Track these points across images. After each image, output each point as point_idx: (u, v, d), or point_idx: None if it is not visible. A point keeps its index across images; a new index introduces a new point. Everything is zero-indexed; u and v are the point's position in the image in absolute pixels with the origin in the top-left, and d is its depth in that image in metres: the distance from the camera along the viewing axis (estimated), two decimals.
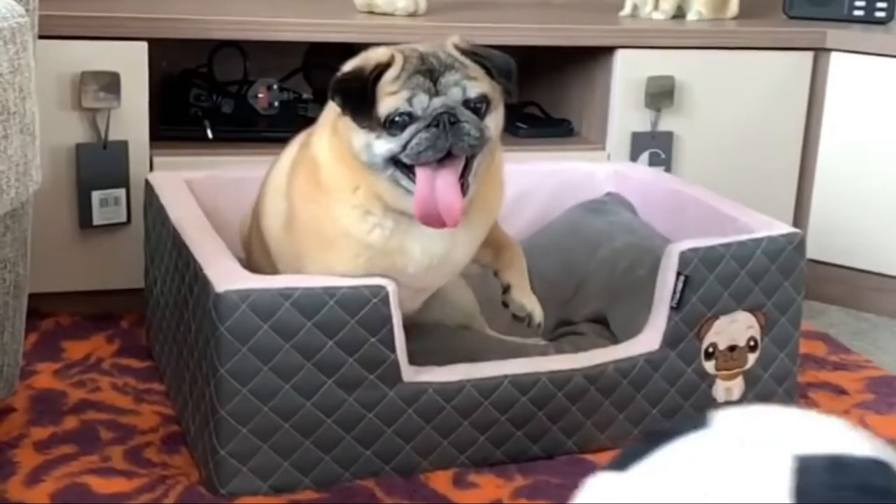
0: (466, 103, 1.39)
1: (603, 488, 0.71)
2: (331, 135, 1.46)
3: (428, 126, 1.37)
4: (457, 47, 1.43)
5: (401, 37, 2.18)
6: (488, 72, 1.43)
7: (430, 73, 1.39)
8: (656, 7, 2.40)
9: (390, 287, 1.46)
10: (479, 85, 1.41)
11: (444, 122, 1.37)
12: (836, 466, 0.63)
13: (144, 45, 1.96)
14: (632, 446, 0.74)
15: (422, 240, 1.46)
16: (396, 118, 1.38)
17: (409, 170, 1.40)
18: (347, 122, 1.42)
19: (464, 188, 1.40)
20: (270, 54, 2.25)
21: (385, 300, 1.45)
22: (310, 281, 1.45)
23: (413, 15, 2.19)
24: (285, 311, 1.42)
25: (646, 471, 0.69)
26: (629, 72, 2.22)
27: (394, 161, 1.40)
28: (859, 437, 0.66)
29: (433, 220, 1.39)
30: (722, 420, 0.70)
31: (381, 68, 1.39)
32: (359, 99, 1.38)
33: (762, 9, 2.56)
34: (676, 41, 2.27)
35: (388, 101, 1.38)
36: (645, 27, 2.30)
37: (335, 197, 1.45)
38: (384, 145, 1.39)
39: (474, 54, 1.43)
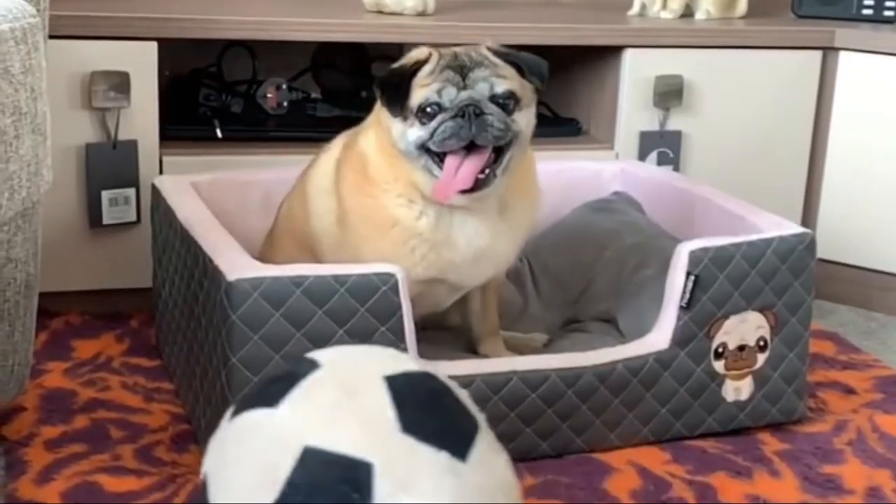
0: (493, 98, 1.50)
1: (262, 420, 0.95)
2: (376, 128, 1.57)
3: (454, 116, 1.48)
4: (489, 49, 1.54)
5: (409, 37, 2.19)
6: (521, 72, 1.52)
7: (460, 68, 1.51)
8: (664, 6, 2.40)
9: (399, 275, 1.48)
10: (507, 83, 1.51)
11: (470, 113, 1.48)
12: (408, 378, 0.97)
13: (154, 45, 1.96)
14: (267, 387, 0.99)
15: (465, 231, 1.56)
16: (427, 108, 1.49)
17: (440, 159, 1.51)
18: (387, 113, 1.54)
19: (487, 178, 1.50)
20: (279, 54, 2.26)
21: (394, 288, 1.47)
22: (320, 269, 1.48)
23: (422, 14, 2.19)
24: (296, 300, 1.43)
25: (291, 404, 0.94)
26: (637, 71, 2.22)
27: (426, 149, 1.50)
28: (418, 362, 1.03)
29: (442, 195, 1.50)
30: (328, 360, 0.99)
31: (420, 65, 1.52)
32: (394, 91, 1.51)
33: (771, 8, 2.56)
34: (685, 40, 2.27)
35: (420, 93, 1.50)
36: (653, 26, 2.30)
37: (382, 188, 1.56)
38: (415, 132, 1.50)
39: (507, 55, 1.53)
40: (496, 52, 1.53)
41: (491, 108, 1.49)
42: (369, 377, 0.95)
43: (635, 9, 2.43)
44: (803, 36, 2.33)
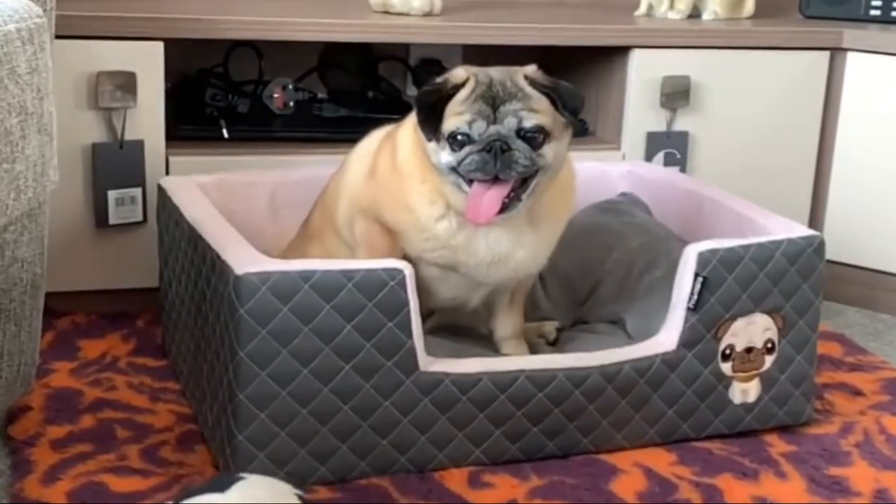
0: (521, 132, 1.50)
1: (215, 500, 1.21)
2: (413, 131, 1.59)
3: (481, 150, 1.50)
4: (527, 77, 1.54)
5: (416, 37, 2.19)
6: (555, 104, 1.53)
7: (492, 100, 1.51)
8: (672, 6, 2.40)
9: (407, 271, 1.49)
10: (536, 117, 1.52)
11: (497, 149, 1.50)
12: (306, 500, 1.28)
13: (160, 45, 1.96)
14: (212, 484, 1.26)
15: (488, 238, 1.57)
16: (458, 136, 1.51)
17: (470, 179, 1.53)
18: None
19: (511, 202, 1.52)
20: (286, 54, 2.26)
21: (402, 283, 1.47)
22: (328, 264, 1.49)
23: (428, 15, 2.18)
24: (304, 294, 1.44)
25: (238, 492, 1.22)
26: (644, 71, 2.22)
27: (455, 170, 1.52)
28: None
29: (474, 221, 1.52)
30: (252, 477, 1.27)
31: (456, 89, 1.52)
32: (429, 113, 1.53)
33: (778, 8, 2.56)
34: (692, 41, 2.27)
35: (452, 121, 1.52)
36: (660, 27, 2.30)
37: (407, 183, 1.58)
38: (446, 156, 1.53)
39: (543, 86, 1.54)
40: (533, 81, 1.54)
41: (518, 143, 1.50)
42: (286, 491, 1.26)
43: (642, 9, 2.42)
44: (811, 37, 2.32)
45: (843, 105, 2.32)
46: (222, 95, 2.19)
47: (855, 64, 2.30)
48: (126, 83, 1.93)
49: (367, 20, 2.13)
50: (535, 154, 1.51)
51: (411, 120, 1.60)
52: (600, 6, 2.55)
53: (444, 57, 2.39)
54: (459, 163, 1.51)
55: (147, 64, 1.95)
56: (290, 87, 2.23)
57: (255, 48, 2.24)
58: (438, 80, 1.56)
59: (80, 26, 1.90)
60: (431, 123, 1.52)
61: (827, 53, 2.32)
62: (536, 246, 1.62)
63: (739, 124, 2.31)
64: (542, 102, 1.53)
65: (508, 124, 1.50)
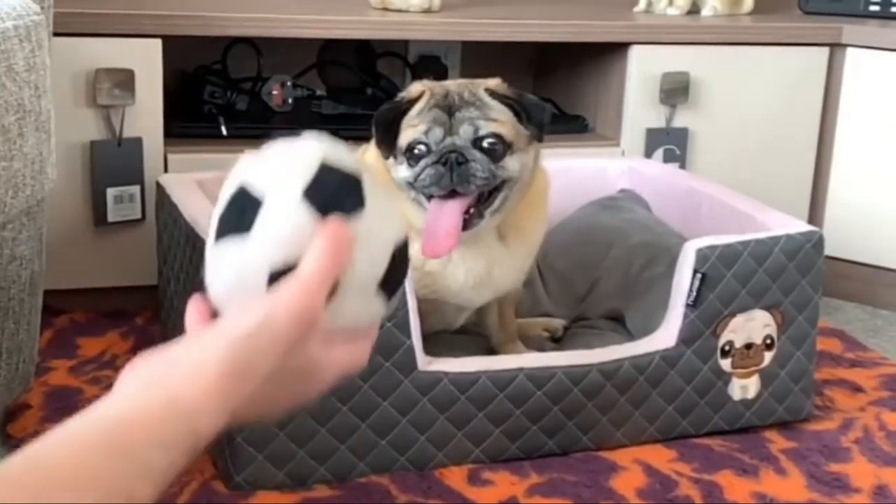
0: (477, 142, 1.46)
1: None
2: (375, 149, 1.55)
3: (436, 163, 1.45)
4: (488, 89, 1.50)
5: (415, 34, 2.19)
6: (519, 116, 1.48)
7: (448, 108, 1.47)
8: (671, 2, 2.39)
9: None
10: (494, 126, 1.47)
11: (452, 160, 1.45)
12: None
13: (159, 42, 1.96)
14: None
15: (465, 260, 1.54)
16: (415, 149, 1.47)
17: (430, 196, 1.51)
18: None
19: (472, 218, 1.47)
20: (284, 51, 2.25)
21: None
22: None
23: (427, 11, 2.18)
24: None
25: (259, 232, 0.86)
26: (644, 68, 2.21)
27: (413, 186, 1.49)
28: None
29: (431, 253, 1.47)
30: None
31: (412, 103, 1.49)
32: (385, 130, 1.50)
33: (777, 4, 2.55)
34: (691, 37, 2.26)
35: (408, 133, 1.48)
36: (660, 23, 2.29)
37: None
38: (403, 172, 1.49)
39: (506, 97, 1.49)
40: (494, 93, 1.49)
41: (474, 154, 1.45)
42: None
43: (641, 5, 2.42)
44: (810, 32, 2.32)
45: (842, 101, 2.32)
46: (221, 93, 2.19)
47: (854, 60, 2.30)
48: (124, 80, 1.93)
49: (366, 17, 2.13)
50: (494, 166, 1.46)
51: (372, 143, 1.57)
52: (599, 2, 2.54)
53: (444, 54, 2.39)
54: (416, 178, 1.47)
55: (145, 61, 1.95)
56: (289, 84, 2.23)
57: (254, 45, 2.23)
58: (396, 98, 1.54)
59: (78, 23, 1.89)
60: (388, 140, 1.49)
61: (826, 49, 2.32)
62: (511, 262, 1.59)
63: (739, 120, 2.30)
64: (502, 113, 1.48)
65: (464, 133, 1.46)
